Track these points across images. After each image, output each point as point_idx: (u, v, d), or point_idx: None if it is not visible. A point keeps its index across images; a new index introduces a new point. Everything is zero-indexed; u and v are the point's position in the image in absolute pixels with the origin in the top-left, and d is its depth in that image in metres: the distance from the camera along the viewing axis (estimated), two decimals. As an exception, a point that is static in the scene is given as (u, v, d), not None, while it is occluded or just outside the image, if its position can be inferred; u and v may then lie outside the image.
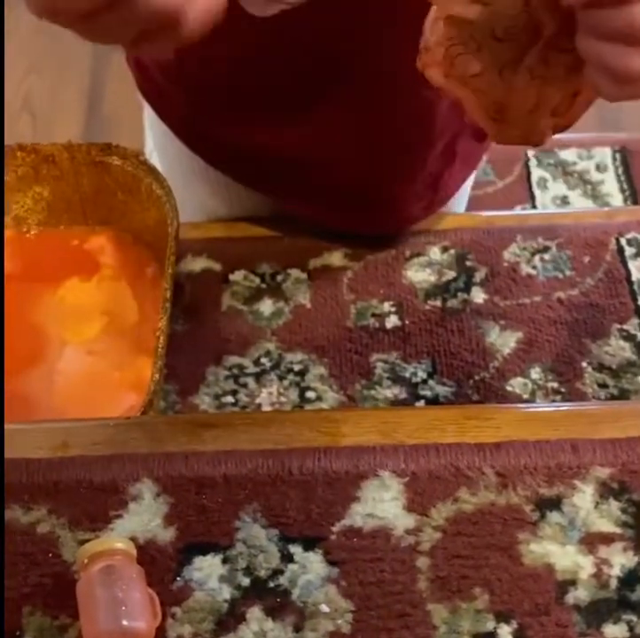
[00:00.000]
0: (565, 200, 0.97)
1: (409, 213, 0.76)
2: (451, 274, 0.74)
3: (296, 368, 0.70)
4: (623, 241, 0.75)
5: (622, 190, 0.97)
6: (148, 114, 0.83)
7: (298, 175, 0.73)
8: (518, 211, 0.96)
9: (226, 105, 0.70)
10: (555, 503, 0.50)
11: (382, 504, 0.50)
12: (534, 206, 0.97)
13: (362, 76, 0.64)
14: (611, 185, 0.97)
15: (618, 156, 0.99)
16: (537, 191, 0.98)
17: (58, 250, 0.72)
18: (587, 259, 0.74)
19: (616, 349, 0.70)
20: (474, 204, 0.86)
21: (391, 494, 0.50)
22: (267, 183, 0.76)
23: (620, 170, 0.98)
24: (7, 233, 0.73)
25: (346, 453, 0.52)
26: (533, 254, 0.75)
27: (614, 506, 0.50)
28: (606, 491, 0.50)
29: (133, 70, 0.79)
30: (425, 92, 0.54)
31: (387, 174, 0.72)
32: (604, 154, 1.00)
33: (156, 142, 0.84)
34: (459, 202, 0.83)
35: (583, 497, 0.50)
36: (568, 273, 0.74)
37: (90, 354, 0.67)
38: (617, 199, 0.97)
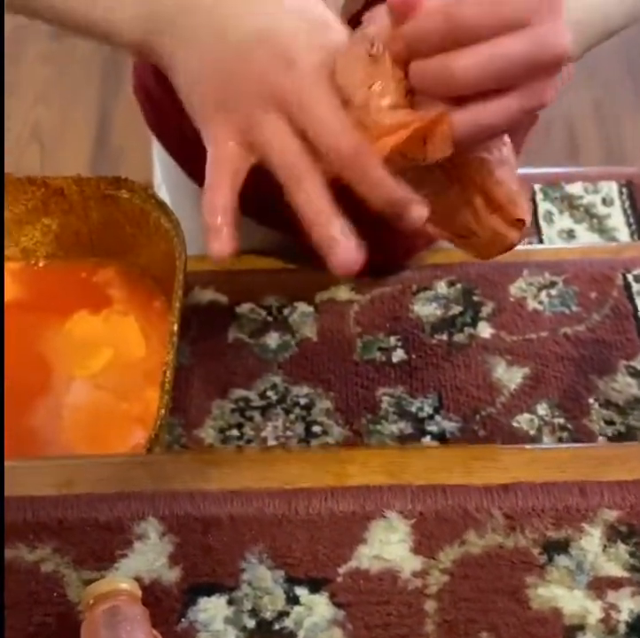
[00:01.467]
0: (571, 234, 0.97)
1: (413, 244, 0.76)
2: (458, 308, 0.74)
3: (302, 401, 0.70)
4: (630, 277, 0.75)
5: (628, 224, 0.97)
6: (156, 146, 0.83)
7: None
8: (524, 246, 0.96)
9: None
10: (563, 547, 0.50)
11: (389, 546, 0.50)
12: (540, 240, 0.97)
13: None
14: (617, 219, 0.98)
15: (624, 190, 1.00)
16: (543, 225, 0.98)
17: (66, 282, 0.72)
18: (593, 294, 0.74)
19: (623, 385, 0.70)
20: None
21: (398, 536, 0.50)
22: (272, 216, 0.76)
23: (627, 204, 0.99)
24: (16, 265, 0.73)
25: (352, 493, 0.52)
26: (539, 290, 0.75)
27: (622, 549, 0.50)
28: (614, 534, 0.50)
29: (141, 102, 0.79)
30: None
31: None
32: (611, 188, 1.00)
33: (164, 174, 0.84)
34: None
35: (591, 540, 0.50)
36: (575, 308, 0.74)
37: (98, 388, 0.66)
38: (623, 233, 0.97)
